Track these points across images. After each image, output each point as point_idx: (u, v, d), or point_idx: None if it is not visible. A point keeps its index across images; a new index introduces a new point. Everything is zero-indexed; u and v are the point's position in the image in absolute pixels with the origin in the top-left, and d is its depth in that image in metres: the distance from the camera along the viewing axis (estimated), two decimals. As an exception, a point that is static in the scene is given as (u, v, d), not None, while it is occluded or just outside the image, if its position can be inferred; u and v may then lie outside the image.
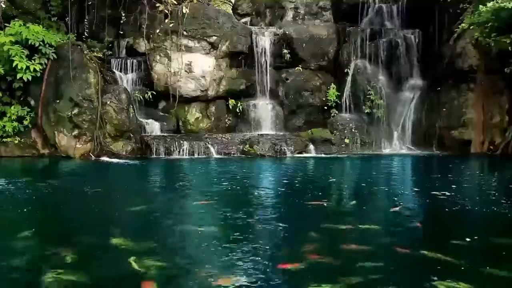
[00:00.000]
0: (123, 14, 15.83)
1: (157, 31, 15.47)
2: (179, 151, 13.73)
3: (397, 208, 6.91)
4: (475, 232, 5.67)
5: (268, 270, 4.22)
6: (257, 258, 4.50)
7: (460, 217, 6.55)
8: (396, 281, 4.10)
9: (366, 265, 4.42)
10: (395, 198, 7.91)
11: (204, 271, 4.14)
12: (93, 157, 13.10)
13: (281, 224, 5.91)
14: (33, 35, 13.19)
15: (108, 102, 13.70)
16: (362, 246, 4.99)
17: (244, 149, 14.16)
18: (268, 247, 4.93)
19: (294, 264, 4.33)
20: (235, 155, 14.00)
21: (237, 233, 5.39)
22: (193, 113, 15.81)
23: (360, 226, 5.92)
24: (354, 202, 7.90)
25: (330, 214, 6.79)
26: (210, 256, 4.65)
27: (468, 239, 5.22)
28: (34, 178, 9.79)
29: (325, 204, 7.21)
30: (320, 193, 8.28)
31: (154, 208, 6.94)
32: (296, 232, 5.66)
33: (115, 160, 12.84)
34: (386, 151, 15.56)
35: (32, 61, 13.23)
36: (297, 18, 17.36)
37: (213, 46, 15.58)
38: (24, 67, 13.01)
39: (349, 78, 16.40)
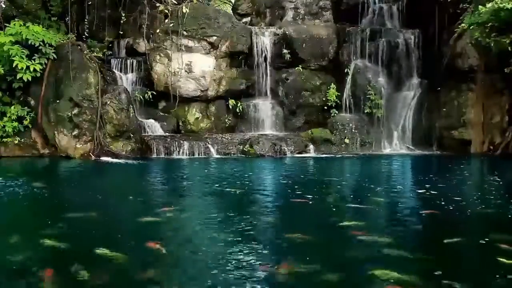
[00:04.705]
0: (123, 14, 15.83)
1: (157, 31, 15.48)
2: (179, 151, 13.73)
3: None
4: (465, 232, 5.77)
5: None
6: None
7: (451, 216, 6.61)
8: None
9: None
10: (388, 198, 8.00)
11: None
12: (93, 157, 13.11)
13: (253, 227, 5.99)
14: (33, 35, 13.19)
15: (108, 102, 13.70)
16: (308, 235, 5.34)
17: (244, 149, 14.16)
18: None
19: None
20: (235, 155, 14.01)
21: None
22: (193, 113, 15.81)
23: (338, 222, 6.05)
24: (340, 200, 8.08)
25: (313, 212, 6.90)
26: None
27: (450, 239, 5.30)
28: (20, 179, 9.78)
29: (310, 202, 7.37)
30: (312, 193, 8.30)
31: (98, 215, 6.54)
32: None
33: (114, 160, 12.86)
34: (386, 151, 15.56)
35: (32, 61, 13.23)
36: (297, 18, 17.35)
37: (213, 46, 15.58)
38: (24, 67, 13.02)
39: (349, 78, 16.38)
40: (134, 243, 5.21)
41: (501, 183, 9.62)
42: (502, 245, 5.00)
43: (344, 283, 4.12)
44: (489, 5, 11.89)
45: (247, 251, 4.84)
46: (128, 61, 15.94)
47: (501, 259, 4.51)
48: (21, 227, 6.13)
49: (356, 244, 5.17)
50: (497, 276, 4.16)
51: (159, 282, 4.17)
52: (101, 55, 15.46)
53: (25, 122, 13.62)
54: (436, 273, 4.27)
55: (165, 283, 4.17)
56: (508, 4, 11.37)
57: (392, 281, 4.01)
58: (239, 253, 4.74)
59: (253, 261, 4.54)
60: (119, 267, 4.42)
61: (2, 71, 13.12)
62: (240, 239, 5.28)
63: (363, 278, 4.15)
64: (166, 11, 15.29)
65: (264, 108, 16.12)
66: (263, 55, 16.23)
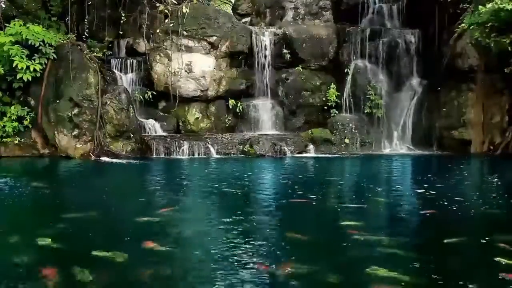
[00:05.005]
0: (123, 14, 15.83)
1: (157, 31, 15.48)
2: (179, 151, 13.73)
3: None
4: (465, 232, 5.80)
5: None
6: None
7: (451, 216, 6.63)
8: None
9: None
10: (388, 198, 8.03)
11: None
12: (93, 157, 13.10)
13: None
14: (33, 35, 13.19)
15: (108, 102, 13.69)
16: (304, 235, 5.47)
17: (244, 149, 14.16)
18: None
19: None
20: (235, 155, 14.01)
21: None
22: (193, 113, 15.81)
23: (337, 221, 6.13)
24: (341, 200, 8.15)
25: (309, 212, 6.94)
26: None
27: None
28: (20, 179, 9.81)
29: (311, 202, 7.38)
30: (312, 193, 8.30)
31: (98, 215, 6.51)
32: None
33: (114, 160, 12.86)
34: (386, 151, 15.56)
35: (32, 61, 13.22)
36: (297, 18, 17.34)
37: (213, 46, 15.58)
38: (24, 67, 13.02)
39: (349, 78, 16.37)
40: (134, 243, 5.21)
41: (499, 183, 9.62)
42: (502, 244, 5.00)
43: (342, 283, 4.12)
44: (489, 5, 11.90)
45: (246, 250, 4.85)
46: (128, 61, 15.94)
47: (500, 259, 4.51)
48: (20, 227, 6.13)
49: (355, 244, 5.18)
50: (499, 277, 4.15)
51: (158, 282, 4.17)
52: (101, 55, 15.46)
53: (25, 122, 13.62)
54: (434, 272, 4.28)
55: (163, 283, 4.17)
56: (508, 5, 11.38)
57: (390, 281, 4.01)
58: (238, 253, 4.75)
59: (252, 260, 4.55)
60: (119, 267, 4.42)
61: (2, 71, 13.12)
62: (239, 238, 5.30)
63: (362, 278, 4.15)
64: (166, 11, 15.29)
65: (264, 108, 16.12)
66: (263, 55, 16.23)
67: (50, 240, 5.12)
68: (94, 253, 4.69)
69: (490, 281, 4.14)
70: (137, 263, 4.54)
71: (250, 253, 4.76)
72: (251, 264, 4.44)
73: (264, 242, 5.25)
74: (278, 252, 4.92)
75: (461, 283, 4.08)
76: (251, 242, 5.19)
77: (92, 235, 5.62)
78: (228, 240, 5.22)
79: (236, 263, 4.46)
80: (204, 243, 5.27)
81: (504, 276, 4.12)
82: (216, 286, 3.97)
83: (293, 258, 4.67)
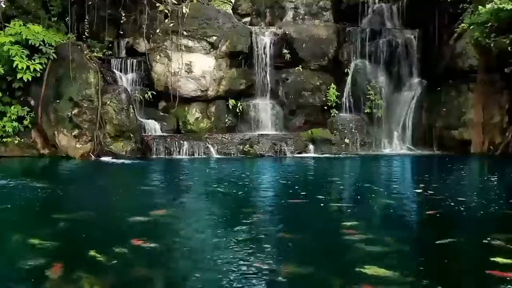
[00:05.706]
0: (123, 14, 15.86)
1: (157, 31, 15.49)
2: (179, 151, 13.74)
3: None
4: (464, 232, 5.81)
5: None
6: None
7: (451, 216, 6.62)
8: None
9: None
10: (388, 198, 8.03)
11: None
12: (93, 157, 13.12)
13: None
14: (33, 35, 13.20)
15: (108, 102, 13.70)
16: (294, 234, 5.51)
17: (244, 149, 14.16)
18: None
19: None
20: (235, 155, 14.01)
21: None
22: (193, 113, 15.82)
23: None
24: (340, 200, 8.16)
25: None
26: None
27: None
28: (20, 179, 9.79)
29: (308, 202, 7.42)
30: (312, 193, 8.30)
31: (97, 215, 6.52)
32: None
33: (114, 160, 12.87)
34: (386, 151, 15.57)
35: (32, 61, 13.24)
36: (297, 18, 17.37)
37: (213, 46, 15.58)
38: (24, 67, 13.03)
39: (349, 78, 16.38)
40: (132, 243, 5.21)
41: (498, 183, 9.62)
42: (501, 243, 5.00)
43: (338, 282, 4.12)
44: (489, 5, 11.92)
45: (244, 250, 4.84)
46: (128, 61, 15.94)
47: (498, 259, 4.51)
48: (17, 227, 6.12)
49: (354, 244, 5.16)
50: (496, 277, 4.16)
51: (155, 282, 4.17)
52: (101, 55, 15.49)
53: (25, 122, 13.64)
54: (431, 272, 4.28)
55: (160, 283, 4.18)
56: (508, 5, 11.39)
57: (387, 281, 4.01)
58: (236, 252, 4.75)
59: (248, 260, 4.54)
60: (116, 267, 4.42)
61: (2, 71, 13.14)
62: (237, 238, 5.29)
63: (358, 278, 4.13)
64: (166, 11, 15.30)
65: (264, 108, 16.13)
66: (263, 55, 16.24)
67: (47, 240, 5.11)
68: (90, 252, 4.68)
69: (486, 281, 4.13)
70: (134, 263, 4.54)
71: (248, 253, 4.76)
72: (247, 264, 4.43)
73: (261, 242, 5.25)
74: (274, 252, 4.91)
75: (459, 282, 4.08)
76: (248, 241, 5.19)
77: (90, 235, 5.61)
78: (226, 240, 5.22)
79: (233, 263, 4.46)
80: (201, 243, 5.27)
81: (502, 276, 4.11)
82: (211, 285, 3.97)
83: (291, 258, 4.67)
